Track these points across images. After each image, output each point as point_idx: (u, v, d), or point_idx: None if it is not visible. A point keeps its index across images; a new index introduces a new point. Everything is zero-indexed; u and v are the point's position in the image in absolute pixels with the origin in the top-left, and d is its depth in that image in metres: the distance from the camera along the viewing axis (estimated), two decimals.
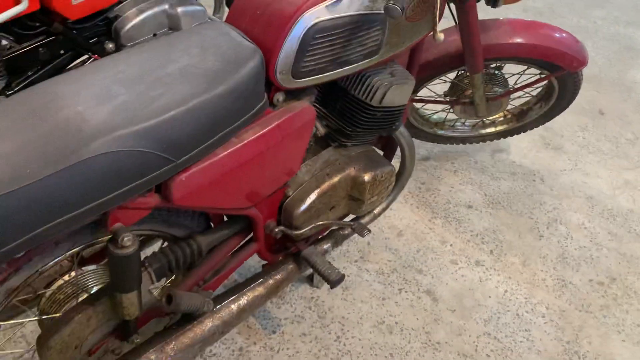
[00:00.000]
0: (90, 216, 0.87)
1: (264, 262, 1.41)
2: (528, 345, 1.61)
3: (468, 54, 1.57)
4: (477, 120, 2.05)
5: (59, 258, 0.99)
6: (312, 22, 1.02)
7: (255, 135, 1.05)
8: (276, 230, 1.29)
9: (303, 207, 1.27)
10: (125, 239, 0.93)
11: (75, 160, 0.81)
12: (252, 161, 1.06)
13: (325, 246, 1.44)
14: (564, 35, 1.68)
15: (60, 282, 1.11)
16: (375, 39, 1.12)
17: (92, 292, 1.13)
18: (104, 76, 0.92)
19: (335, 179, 1.31)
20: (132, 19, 1.74)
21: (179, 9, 1.80)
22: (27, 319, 1.10)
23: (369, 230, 1.39)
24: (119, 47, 1.75)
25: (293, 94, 1.13)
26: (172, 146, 0.91)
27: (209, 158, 1.00)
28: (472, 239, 1.90)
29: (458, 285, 1.74)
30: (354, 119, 1.29)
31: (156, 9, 1.77)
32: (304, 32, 1.01)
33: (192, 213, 1.18)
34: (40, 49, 1.62)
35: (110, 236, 0.95)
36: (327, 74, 1.10)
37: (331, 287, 1.35)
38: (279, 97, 1.10)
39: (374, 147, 1.44)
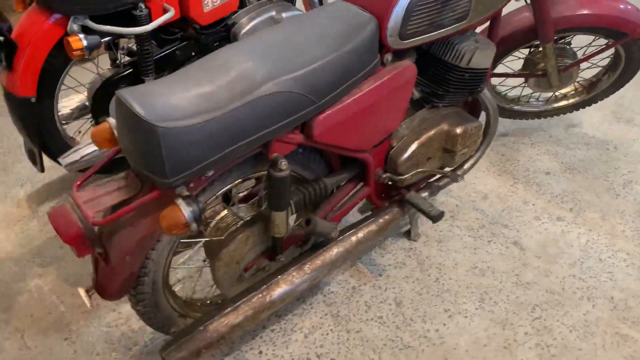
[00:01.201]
0: (259, 143, 1.16)
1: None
2: (611, 284, 1.77)
3: (540, 24, 1.80)
4: (550, 95, 2.25)
5: (229, 186, 1.30)
6: None
7: (372, 87, 1.33)
8: (383, 176, 1.56)
9: (405, 155, 1.54)
10: (283, 163, 1.22)
11: (252, 98, 1.11)
12: (369, 108, 1.34)
13: (423, 195, 1.69)
14: (629, 6, 1.88)
15: (223, 212, 1.41)
16: (464, 6, 1.38)
17: (246, 220, 1.42)
18: (261, 43, 1.23)
19: (431, 132, 1.56)
20: (246, 25, 2.08)
21: (283, 14, 2.14)
22: (201, 239, 1.41)
23: (462, 177, 1.63)
24: None
25: (398, 55, 1.40)
26: (315, 90, 1.20)
27: (339, 103, 1.28)
28: (553, 199, 2.08)
29: (542, 237, 1.93)
30: (445, 81, 1.54)
31: (264, 16, 2.11)
32: (409, 1, 1.29)
33: (319, 159, 1.46)
34: (177, 52, 1.98)
35: (269, 165, 1.24)
36: (427, 35, 1.37)
37: (433, 222, 1.59)
38: (388, 57, 1.38)
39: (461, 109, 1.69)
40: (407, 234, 1.93)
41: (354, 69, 1.26)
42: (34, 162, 1.90)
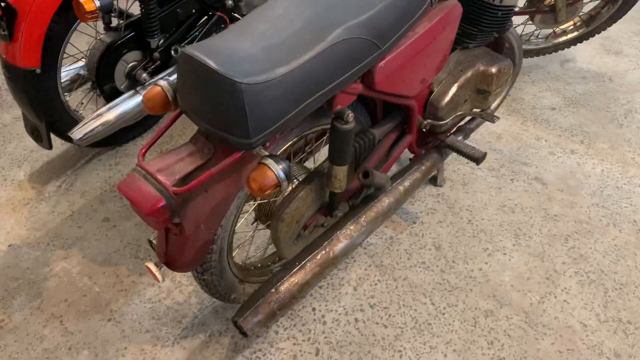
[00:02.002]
0: (331, 94, 1.11)
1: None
2: (632, 209, 1.85)
3: None
4: (550, 32, 2.27)
5: (289, 143, 1.25)
6: None
7: (426, 28, 1.29)
8: (425, 123, 1.54)
9: (446, 99, 1.52)
10: (349, 115, 1.18)
11: (324, 46, 1.06)
12: (423, 51, 1.31)
13: (459, 138, 1.69)
14: None
15: None
16: None
17: (303, 177, 1.38)
18: None
19: (468, 73, 1.55)
20: None
21: None
22: (257, 201, 1.36)
23: (498, 117, 1.64)
24: (236, 4, 2.00)
25: None
26: (380, 34, 1.15)
27: (397, 48, 1.24)
28: (563, 133, 2.13)
29: (560, 171, 1.99)
30: (478, 20, 1.52)
31: None
32: None
33: (362, 109, 1.43)
34: (178, 10, 1.86)
35: (333, 116, 1.20)
36: None
37: (477, 164, 1.59)
38: None
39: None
40: (433, 180, 1.94)
41: (411, 10, 1.22)
42: (37, 139, 1.76)
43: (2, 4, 1.44)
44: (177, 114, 1.15)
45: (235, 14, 2.07)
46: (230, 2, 1.99)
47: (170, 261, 1.18)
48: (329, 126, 1.26)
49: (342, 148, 1.23)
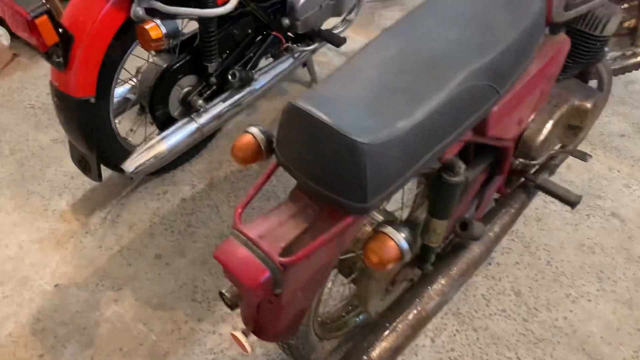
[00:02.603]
0: (451, 144, 0.99)
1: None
2: None
3: None
4: (620, 53, 2.14)
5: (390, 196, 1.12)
6: None
7: (540, 66, 1.16)
8: (516, 162, 1.41)
9: (541, 137, 1.39)
10: (461, 167, 1.05)
11: (447, 93, 0.93)
12: (533, 89, 1.18)
13: (545, 176, 1.56)
14: None
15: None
16: None
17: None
18: (427, 22, 1.04)
19: (563, 109, 1.42)
20: None
21: None
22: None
23: (590, 155, 1.51)
24: (293, 22, 1.86)
25: (554, 28, 1.24)
26: (501, 78, 1.02)
27: (512, 89, 1.11)
28: (635, 163, 2.00)
29: (638, 206, 1.86)
30: (576, 51, 1.39)
31: None
32: None
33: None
34: (235, 31, 1.73)
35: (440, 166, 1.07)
36: (590, 3, 1.21)
37: (572, 208, 1.46)
38: (546, 30, 1.21)
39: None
40: None
41: (530, 48, 1.09)
42: (85, 170, 1.64)
43: (60, 30, 1.31)
44: (273, 167, 1.02)
45: (290, 33, 1.94)
46: (287, 20, 1.86)
47: (260, 330, 1.05)
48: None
49: (447, 202, 1.10)
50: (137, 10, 1.38)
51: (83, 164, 1.62)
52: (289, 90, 2.28)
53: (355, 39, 2.48)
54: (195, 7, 1.48)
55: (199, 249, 1.70)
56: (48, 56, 1.36)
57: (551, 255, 1.71)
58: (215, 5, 1.53)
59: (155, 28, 1.32)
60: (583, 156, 1.51)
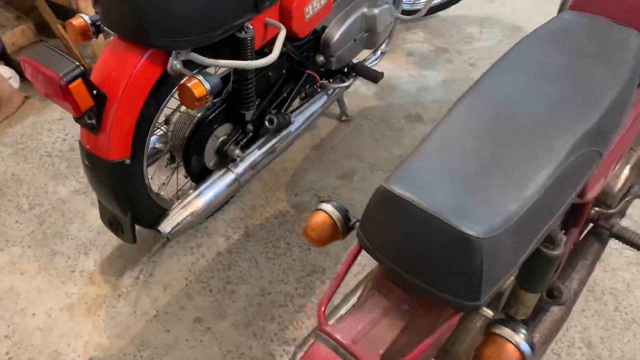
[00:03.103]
0: (559, 220, 0.88)
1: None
2: None
3: None
4: None
5: None
6: None
7: (632, 117, 1.05)
8: (592, 212, 1.30)
9: (620, 184, 1.28)
10: (562, 239, 0.94)
11: (560, 166, 0.81)
12: (627, 142, 1.07)
13: (618, 222, 1.45)
14: None
15: None
16: None
17: None
18: (525, 78, 0.93)
19: (639, 151, 1.31)
20: (339, 28, 1.73)
21: (375, 10, 1.80)
22: None
23: None
24: (327, 59, 1.75)
25: None
26: (604, 140, 0.91)
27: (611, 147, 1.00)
28: None
29: None
30: None
31: (357, 14, 1.77)
32: None
33: None
34: (270, 73, 1.62)
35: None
36: None
37: None
38: None
39: None
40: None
41: (628, 102, 0.98)
42: (118, 232, 1.51)
43: (94, 92, 1.19)
44: (357, 251, 0.91)
45: (324, 69, 1.83)
46: (321, 58, 1.75)
47: None
48: None
49: (543, 275, 0.99)
50: (175, 64, 1.27)
51: (115, 226, 1.50)
52: (319, 124, 2.16)
53: (381, 66, 2.37)
54: (234, 57, 1.37)
55: (241, 309, 1.58)
56: (79, 119, 1.24)
57: (618, 300, 1.60)
58: (257, 55, 1.42)
59: (199, 85, 1.21)
60: None
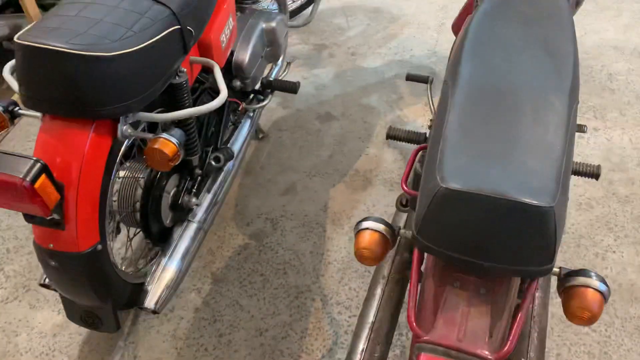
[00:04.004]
0: None
1: None
2: None
3: None
4: None
5: None
6: None
7: None
8: None
9: None
10: None
11: (568, 124, 0.91)
12: None
13: None
14: None
15: None
16: None
17: None
18: (502, 55, 1.01)
19: None
20: (246, 49, 1.71)
21: (273, 24, 1.80)
22: None
23: None
24: (243, 81, 1.73)
25: None
26: (576, 91, 1.03)
27: None
28: None
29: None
30: None
31: (258, 31, 1.76)
32: None
33: None
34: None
35: None
36: None
37: None
38: None
39: None
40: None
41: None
42: (95, 325, 1.36)
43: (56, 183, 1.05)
44: (418, 256, 0.92)
45: (241, 93, 1.79)
46: (237, 82, 1.71)
47: None
48: None
49: None
50: (126, 130, 1.17)
51: (90, 320, 1.34)
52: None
53: None
54: (172, 105, 1.30)
55: (246, 356, 1.51)
56: (44, 219, 1.09)
57: None
58: (204, 99, 1.36)
59: (167, 143, 1.12)
60: None
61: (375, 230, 0.93)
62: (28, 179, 0.97)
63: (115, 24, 1.11)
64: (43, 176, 0.99)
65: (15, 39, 1.07)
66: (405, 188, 1.08)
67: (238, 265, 1.74)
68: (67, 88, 1.06)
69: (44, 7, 2.44)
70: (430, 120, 1.54)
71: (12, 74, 1.21)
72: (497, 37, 1.06)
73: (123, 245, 1.66)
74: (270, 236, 1.81)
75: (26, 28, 1.11)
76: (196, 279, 1.71)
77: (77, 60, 1.03)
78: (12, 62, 1.29)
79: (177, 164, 1.17)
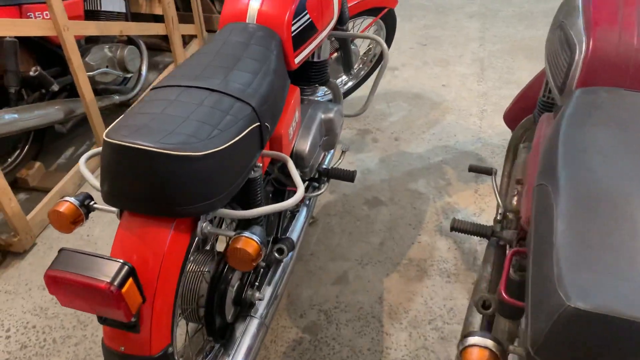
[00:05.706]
0: None
1: None
2: None
3: None
4: None
5: None
6: None
7: None
8: None
9: None
10: None
11: None
12: None
13: None
14: None
15: None
16: None
17: None
18: (604, 160, 0.98)
19: None
20: (307, 139, 1.71)
21: (330, 114, 1.82)
22: None
23: None
24: (303, 171, 1.72)
25: None
26: None
27: None
28: None
29: None
30: None
31: (317, 121, 1.77)
32: None
33: None
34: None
35: None
36: None
37: None
38: None
39: None
40: None
41: None
42: None
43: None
44: None
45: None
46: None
47: None
48: None
49: None
50: (206, 227, 1.14)
51: None
52: None
53: None
54: (245, 200, 1.28)
55: None
56: (118, 322, 1.05)
57: None
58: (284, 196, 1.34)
59: (250, 242, 1.09)
60: None
61: (485, 347, 0.87)
62: (115, 283, 0.93)
63: (202, 122, 1.11)
64: (130, 280, 0.95)
65: (104, 137, 1.07)
66: (505, 297, 1.03)
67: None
68: (154, 186, 1.04)
69: (96, 91, 2.51)
70: (500, 214, 1.50)
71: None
72: (595, 142, 1.04)
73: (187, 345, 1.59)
74: (325, 330, 1.74)
75: (111, 126, 1.11)
76: None
77: (167, 160, 1.02)
78: (88, 154, 1.30)
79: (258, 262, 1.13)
